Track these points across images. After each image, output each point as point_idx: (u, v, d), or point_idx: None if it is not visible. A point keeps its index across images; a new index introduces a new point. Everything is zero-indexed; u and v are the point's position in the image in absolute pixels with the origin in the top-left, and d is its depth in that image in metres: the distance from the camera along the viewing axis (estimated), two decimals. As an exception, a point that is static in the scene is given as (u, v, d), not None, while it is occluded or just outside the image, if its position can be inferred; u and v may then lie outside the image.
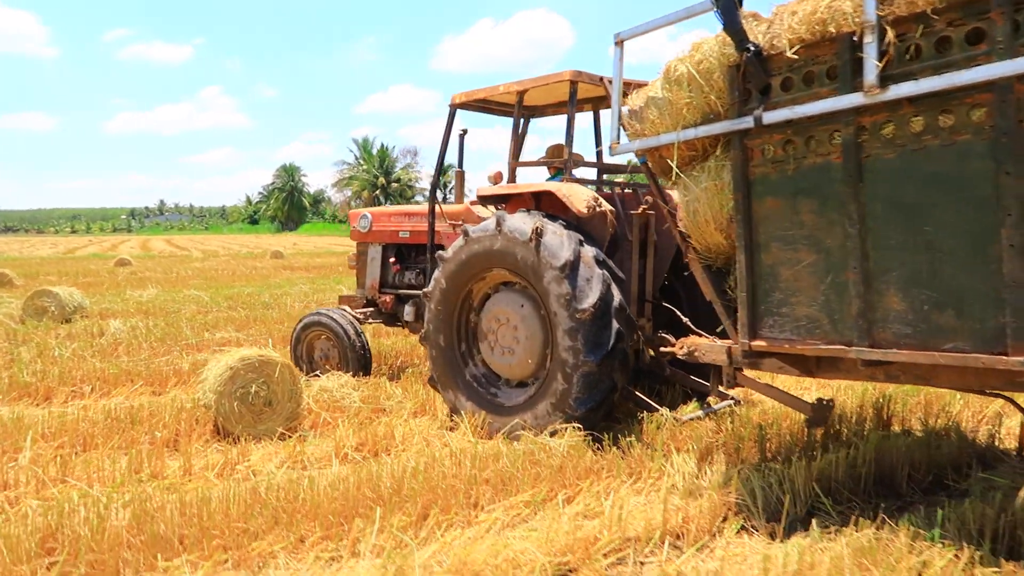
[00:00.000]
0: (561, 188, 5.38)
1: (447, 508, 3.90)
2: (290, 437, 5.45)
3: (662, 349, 5.59)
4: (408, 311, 7.29)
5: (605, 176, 6.92)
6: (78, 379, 7.11)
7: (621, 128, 4.52)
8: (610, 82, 4.76)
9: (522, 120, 7.06)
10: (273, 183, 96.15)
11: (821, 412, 4.61)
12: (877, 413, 5.45)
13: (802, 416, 5.39)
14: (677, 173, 4.14)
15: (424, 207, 7.23)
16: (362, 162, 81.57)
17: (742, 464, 4.62)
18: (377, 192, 79.54)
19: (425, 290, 5.86)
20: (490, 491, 4.13)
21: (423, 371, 7.49)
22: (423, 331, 5.92)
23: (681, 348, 5.32)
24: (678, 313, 5.74)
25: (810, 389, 6.62)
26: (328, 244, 47.06)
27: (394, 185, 79.96)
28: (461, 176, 7.36)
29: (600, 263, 5.11)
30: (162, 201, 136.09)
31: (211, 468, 4.83)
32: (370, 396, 6.27)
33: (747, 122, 3.77)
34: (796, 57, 3.57)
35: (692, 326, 5.61)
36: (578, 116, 7.07)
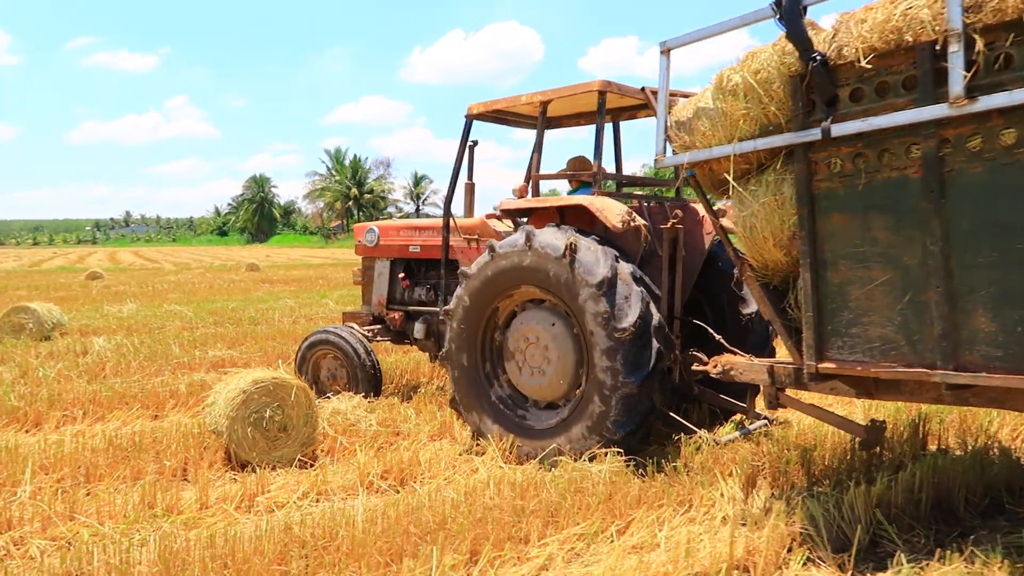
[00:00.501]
0: (594, 202, 5.18)
1: (499, 544, 3.65)
2: (310, 464, 5.16)
3: (693, 367, 5.41)
4: (418, 328, 7.02)
5: (624, 189, 6.74)
6: (68, 402, 6.73)
7: (667, 140, 4.32)
8: (652, 93, 4.58)
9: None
10: (243, 194, 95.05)
11: (874, 433, 4.44)
12: (914, 432, 5.31)
13: (843, 436, 5.25)
14: (734, 187, 3.96)
15: (435, 221, 7.00)
16: (334, 173, 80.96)
17: (792, 490, 4.44)
18: (350, 203, 78.96)
19: (447, 308, 5.61)
20: (539, 523, 3.88)
21: (434, 391, 7.23)
22: (444, 351, 5.67)
23: (715, 366, 5.14)
24: (709, 330, 5.57)
25: (832, 405, 6.47)
26: (302, 256, 46.45)
27: (367, 196, 79.48)
28: (471, 189, 7.12)
29: (637, 280, 4.91)
30: (128, 212, 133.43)
31: (229, 500, 4.53)
32: (387, 419, 5.99)
33: (813, 134, 3.60)
34: (869, 67, 3.40)
35: (725, 343, 5.45)
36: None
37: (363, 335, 6.83)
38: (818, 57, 3.56)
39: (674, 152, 4.34)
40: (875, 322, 3.52)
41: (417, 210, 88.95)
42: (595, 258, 4.86)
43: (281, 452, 5.27)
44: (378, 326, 7.30)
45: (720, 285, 6.07)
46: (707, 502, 4.24)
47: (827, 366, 3.67)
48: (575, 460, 4.74)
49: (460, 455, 5.36)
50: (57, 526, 4.10)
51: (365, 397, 6.50)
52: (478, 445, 5.46)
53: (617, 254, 4.96)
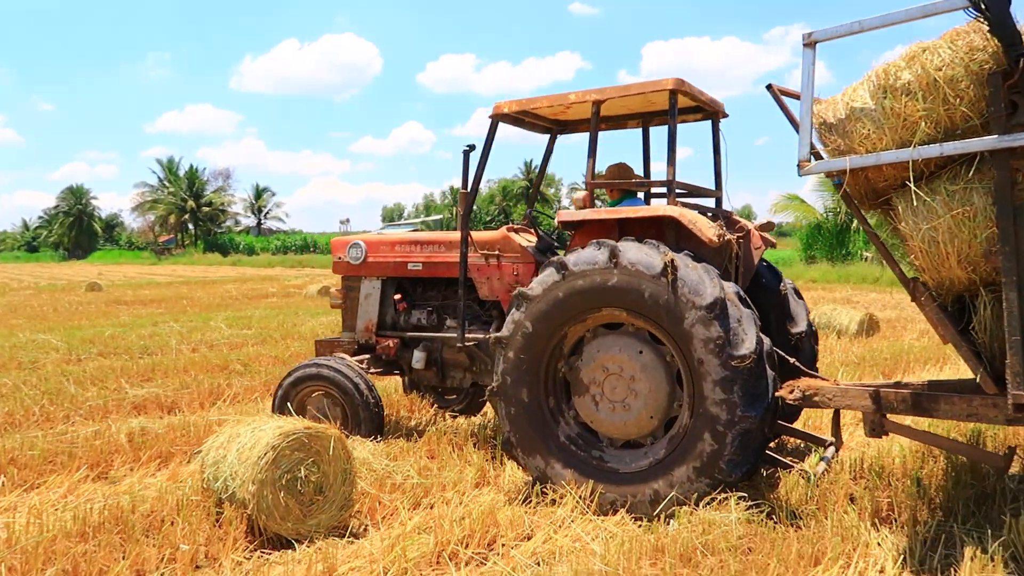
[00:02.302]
0: (685, 213, 4.63)
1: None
2: (348, 533, 4.20)
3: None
4: (418, 357, 6.13)
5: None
6: (-25, 467, 5.24)
7: (809, 145, 3.85)
8: (781, 92, 4.11)
9: (556, 136, 6.26)
10: (57, 206, 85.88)
11: (1008, 460, 4.19)
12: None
13: (932, 462, 5.01)
14: (916, 195, 3.54)
15: (441, 235, 6.16)
16: (167, 184, 75.00)
17: (925, 527, 4.09)
18: (186, 217, 73.47)
19: (500, 335, 4.83)
20: (724, 596, 3.25)
21: (443, 428, 6.33)
22: (494, 384, 4.87)
23: (791, 391, 4.74)
24: (781, 354, 5.17)
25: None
26: (139, 274, 42.26)
27: (205, 209, 74.31)
28: (464, 198, 6.35)
29: (743, 301, 4.41)
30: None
31: (291, 592, 3.52)
32: (425, 468, 5.08)
33: (1022, 139, 3.25)
34: (1098, 65, 3.10)
35: (802, 367, 5.07)
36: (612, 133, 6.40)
37: (360, 368, 5.85)
38: (1029, 53, 3.22)
39: (817, 158, 3.88)
40: (1101, 346, 3.21)
41: (259, 224, 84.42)
42: (699, 277, 4.31)
43: (317, 519, 4.27)
44: (367, 356, 6.31)
45: (766, 303, 5.70)
46: (871, 550, 3.78)
47: (1041, 396, 3.32)
48: (696, 508, 4.13)
49: (532, 507, 4.58)
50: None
51: (373, 440, 5.54)
52: (541, 494, 4.71)
53: (719, 272, 4.44)
